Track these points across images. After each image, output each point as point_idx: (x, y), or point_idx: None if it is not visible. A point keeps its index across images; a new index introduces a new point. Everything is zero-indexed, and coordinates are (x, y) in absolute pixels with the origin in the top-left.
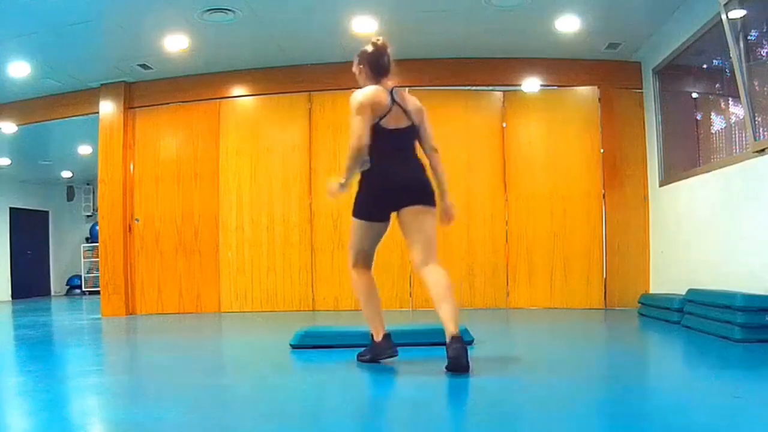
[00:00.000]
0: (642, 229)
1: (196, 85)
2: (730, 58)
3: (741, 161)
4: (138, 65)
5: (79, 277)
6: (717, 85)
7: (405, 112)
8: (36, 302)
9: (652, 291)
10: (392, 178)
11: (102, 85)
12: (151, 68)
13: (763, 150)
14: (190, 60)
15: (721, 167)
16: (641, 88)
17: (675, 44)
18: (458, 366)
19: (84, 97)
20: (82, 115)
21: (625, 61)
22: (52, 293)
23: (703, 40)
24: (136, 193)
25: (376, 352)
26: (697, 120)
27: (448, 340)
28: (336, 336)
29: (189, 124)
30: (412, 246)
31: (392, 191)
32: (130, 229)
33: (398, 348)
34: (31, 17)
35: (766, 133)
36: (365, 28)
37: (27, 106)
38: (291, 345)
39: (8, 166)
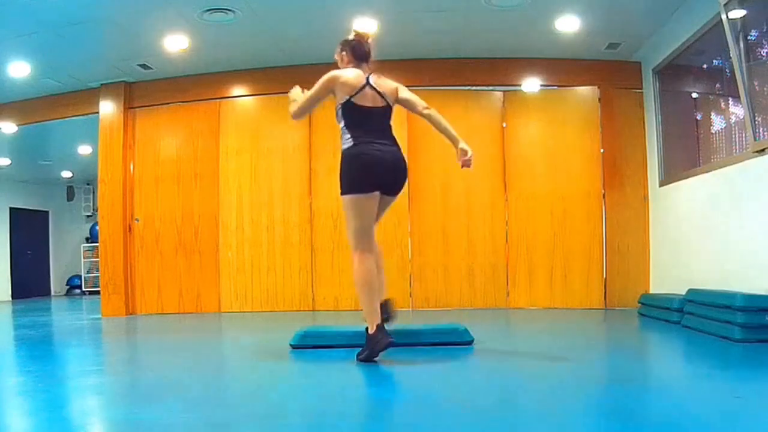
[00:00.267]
0: (642, 229)
1: (196, 85)
2: (730, 58)
3: (741, 161)
4: (138, 65)
5: (79, 277)
6: (717, 85)
7: (380, 94)
8: (36, 302)
9: (652, 291)
10: (379, 153)
11: (102, 85)
12: (151, 68)
13: (763, 150)
14: (190, 60)
15: (721, 167)
16: (641, 88)
17: (675, 44)
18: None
19: (84, 97)
20: (82, 115)
21: (625, 61)
22: (52, 293)
23: (703, 40)
24: (136, 193)
25: (374, 346)
26: (697, 120)
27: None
28: (336, 336)
29: (189, 124)
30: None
31: (381, 166)
32: (130, 229)
33: (398, 348)
34: (31, 17)
35: (766, 133)
36: (365, 28)
37: (27, 106)
38: (291, 345)
39: (8, 166)
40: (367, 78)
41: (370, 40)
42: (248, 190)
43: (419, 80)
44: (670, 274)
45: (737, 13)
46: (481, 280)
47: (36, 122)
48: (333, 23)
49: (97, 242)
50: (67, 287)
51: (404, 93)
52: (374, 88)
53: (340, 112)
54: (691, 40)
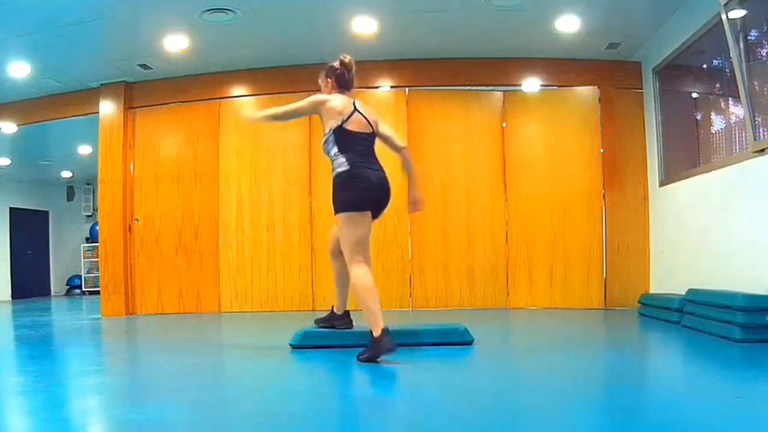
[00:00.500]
0: (642, 229)
1: (196, 85)
2: (730, 58)
3: (741, 161)
4: (138, 65)
5: (79, 277)
6: (717, 85)
7: (367, 120)
8: (36, 302)
9: (652, 291)
10: (374, 178)
11: (102, 85)
12: (151, 68)
13: (763, 150)
14: (190, 60)
15: (721, 167)
16: (641, 88)
17: (675, 44)
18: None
19: (84, 97)
20: (82, 115)
21: (625, 61)
22: (52, 293)
23: (703, 40)
24: (136, 193)
25: (378, 349)
26: (697, 120)
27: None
28: (336, 336)
29: (189, 124)
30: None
31: (374, 190)
32: (130, 229)
33: (399, 348)
34: (31, 17)
35: (766, 133)
36: (365, 28)
37: (27, 106)
38: (291, 345)
39: (8, 166)
40: (354, 104)
41: (353, 69)
42: (248, 190)
43: (419, 80)
44: (670, 274)
45: (737, 13)
46: (481, 280)
47: (36, 122)
48: (333, 23)
49: (97, 242)
50: (67, 287)
51: (384, 129)
52: (362, 114)
53: (332, 138)
54: (691, 40)
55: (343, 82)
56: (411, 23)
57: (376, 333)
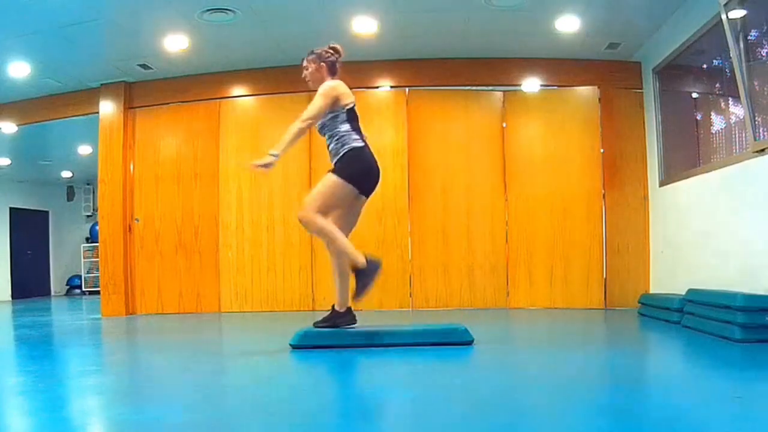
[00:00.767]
0: (642, 229)
1: (196, 85)
2: (730, 58)
3: (741, 161)
4: (138, 65)
5: (79, 277)
6: (717, 85)
7: None
8: (36, 302)
9: (652, 291)
10: (376, 167)
11: (102, 85)
12: (151, 68)
13: (763, 150)
14: (190, 60)
15: (721, 167)
16: (641, 88)
17: (675, 44)
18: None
19: (84, 97)
20: (82, 115)
21: (625, 61)
22: (52, 293)
23: (703, 40)
24: (136, 193)
25: (369, 276)
26: (697, 120)
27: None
28: (336, 336)
29: (189, 124)
30: (347, 223)
31: (377, 180)
32: (130, 229)
33: (398, 348)
34: (31, 17)
35: (766, 133)
36: (365, 28)
37: (27, 106)
38: (291, 345)
39: (8, 166)
40: None
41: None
42: (248, 190)
43: (419, 80)
44: (670, 274)
45: (737, 13)
46: (481, 280)
47: (36, 122)
48: (333, 23)
49: (97, 242)
50: (67, 287)
51: None
52: None
53: (344, 116)
54: (691, 40)
55: (334, 70)
56: (411, 23)
57: (362, 262)
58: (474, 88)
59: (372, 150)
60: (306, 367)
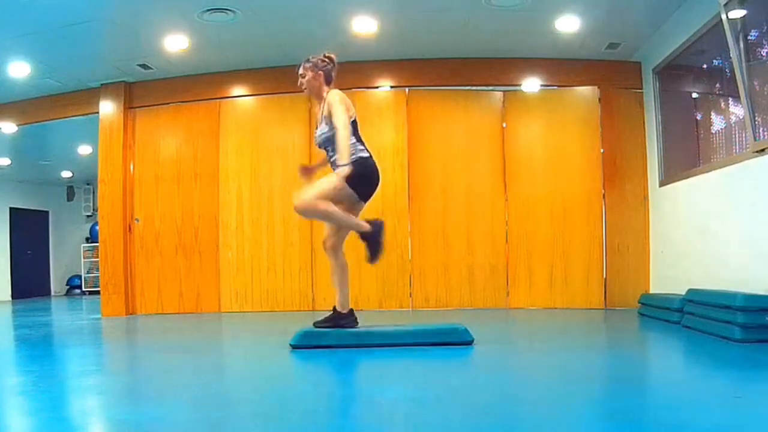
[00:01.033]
0: (642, 229)
1: (196, 85)
2: (730, 58)
3: (741, 161)
4: (138, 65)
5: (79, 277)
6: (717, 85)
7: None
8: (36, 302)
9: (652, 291)
10: (378, 171)
11: (102, 85)
12: (151, 68)
13: (763, 150)
14: (190, 60)
15: (721, 167)
16: (641, 88)
17: (675, 44)
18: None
19: (84, 97)
20: (82, 115)
21: (625, 61)
22: (52, 293)
23: (703, 40)
24: (136, 193)
25: (376, 234)
26: (697, 120)
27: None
28: (336, 336)
29: (189, 124)
30: (342, 230)
31: (377, 183)
32: (130, 229)
33: (398, 348)
34: (31, 17)
35: (766, 133)
36: (365, 28)
37: (27, 106)
38: (291, 345)
39: (8, 166)
40: None
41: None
42: (248, 190)
43: (419, 80)
44: (670, 274)
45: (737, 13)
46: (481, 280)
47: (36, 122)
48: (333, 23)
49: (97, 242)
50: (67, 287)
51: None
52: None
53: (350, 128)
54: (691, 40)
55: (330, 78)
56: (411, 23)
57: (366, 227)
58: (474, 88)
59: (373, 157)
60: (306, 367)
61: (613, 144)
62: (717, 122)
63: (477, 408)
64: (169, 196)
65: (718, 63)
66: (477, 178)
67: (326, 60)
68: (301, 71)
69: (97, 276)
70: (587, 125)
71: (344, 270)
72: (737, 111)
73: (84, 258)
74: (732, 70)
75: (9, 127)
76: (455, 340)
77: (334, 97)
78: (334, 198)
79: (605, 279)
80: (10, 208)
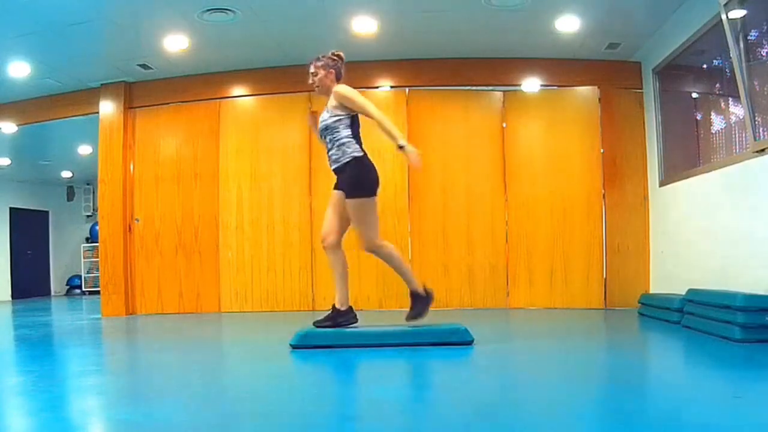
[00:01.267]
0: (642, 229)
1: (196, 85)
2: (730, 58)
3: (741, 161)
4: (138, 65)
5: (79, 277)
6: (717, 85)
7: None
8: (36, 302)
9: (652, 291)
10: (374, 165)
11: (102, 85)
12: (151, 68)
13: (763, 150)
14: (190, 60)
15: (721, 167)
16: (641, 88)
17: (675, 44)
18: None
19: (84, 97)
20: (82, 115)
21: (625, 61)
22: (52, 293)
23: (703, 40)
24: (136, 193)
25: (427, 301)
26: (697, 120)
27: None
28: (336, 336)
29: (189, 124)
30: (342, 226)
31: (379, 177)
32: (130, 229)
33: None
34: (31, 17)
35: (766, 133)
36: (365, 28)
37: (27, 106)
38: (291, 345)
39: (8, 166)
40: None
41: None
42: (248, 190)
43: (419, 80)
44: (670, 274)
45: (737, 13)
46: (481, 280)
47: (36, 122)
48: (333, 23)
49: (97, 242)
50: (67, 287)
51: None
52: None
53: (347, 121)
54: (691, 40)
55: (340, 76)
56: (411, 23)
57: (419, 289)
58: (474, 88)
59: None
60: (306, 367)
61: (613, 144)
62: (717, 122)
63: (477, 408)
64: (169, 196)
65: (718, 63)
66: (477, 178)
67: (336, 58)
68: (312, 70)
69: (97, 276)
70: (587, 125)
71: (343, 267)
72: (737, 111)
73: (84, 258)
74: (732, 70)
75: (9, 127)
76: (455, 340)
77: (348, 90)
78: (374, 217)
79: (605, 279)
80: (10, 208)
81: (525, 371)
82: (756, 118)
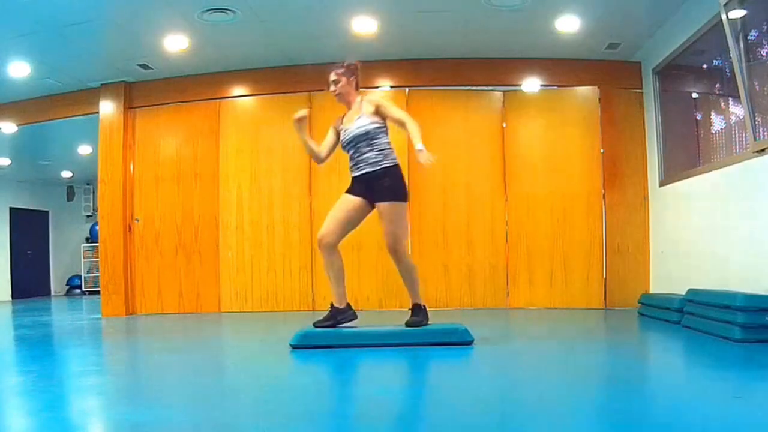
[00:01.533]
0: (642, 229)
1: (196, 85)
2: (730, 58)
3: (741, 161)
4: (138, 65)
5: (79, 277)
6: (717, 85)
7: None
8: (36, 302)
9: (652, 291)
10: None
11: (102, 85)
12: (151, 68)
13: (763, 150)
14: (190, 60)
15: (721, 167)
16: (641, 88)
17: (675, 44)
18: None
19: (84, 97)
20: (82, 115)
21: (625, 61)
22: (52, 293)
23: (703, 40)
24: (136, 193)
25: (425, 314)
26: (697, 120)
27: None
28: (336, 336)
29: (189, 124)
30: (346, 231)
31: None
32: (130, 229)
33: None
34: (31, 17)
35: (766, 133)
36: (365, 28)
37: (27, 106)
38: (291, 345)
39: (8, 166)
40: None
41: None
42: (248, 190)
43: (419, 80)
44: (670, 274)
45: (737, 13)
46: (481, 280)
47: (36, 122)
48: (333, 23)
49: (97, 242)
50: (67, 287)
51: None
52: None
53: (386, 129)
54: (691, 40)
55: (358, 84)
56: (411, 23)
57: (422, 302)
58: (474, 88)
59: None
60: (306, 367)
61: (613, 144)
62: (717, 122)
63: (477, 408)
64: (169, 196)
65: (718, 63)
66: (477, 177)
67: (355, 67)
68: (334, 77)
69: (97, 276)
70: (587, 125)
71: (338, 268)
72: (737, 111)
73: (84, 258)
74: (732, 70)
75: (9, 127)
76: (455, 340)
77: (380, 98)
78: (407, 221)
79: (605, 279)
80: (10, 208)
81: (525, 371)
82: (756, 118)
